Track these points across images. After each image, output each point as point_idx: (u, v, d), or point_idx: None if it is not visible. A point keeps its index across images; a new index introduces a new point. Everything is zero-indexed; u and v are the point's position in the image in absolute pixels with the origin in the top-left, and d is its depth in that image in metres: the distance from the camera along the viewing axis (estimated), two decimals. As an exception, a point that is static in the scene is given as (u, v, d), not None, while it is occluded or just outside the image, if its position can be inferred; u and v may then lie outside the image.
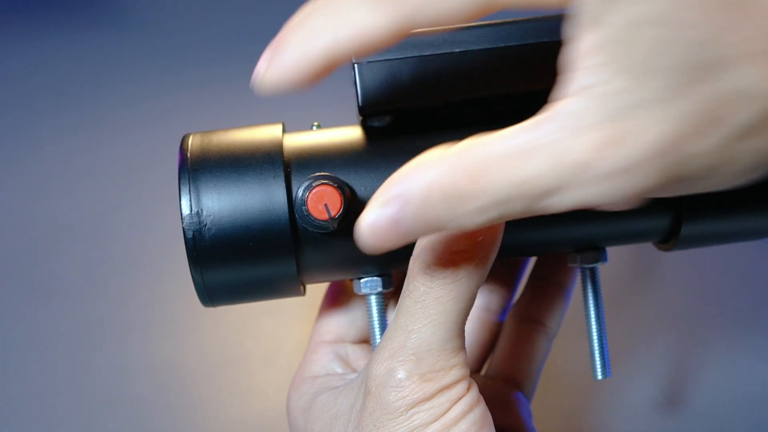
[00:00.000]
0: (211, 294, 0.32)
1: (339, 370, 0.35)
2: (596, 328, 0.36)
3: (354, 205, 0.31)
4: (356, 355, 0.36)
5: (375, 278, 0.33)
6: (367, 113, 0.32)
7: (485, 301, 0.40)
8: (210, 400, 0.52)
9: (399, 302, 0.29)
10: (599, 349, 0.36)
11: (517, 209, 0.22)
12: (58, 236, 0.59)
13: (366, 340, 0.37)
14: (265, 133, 0.33)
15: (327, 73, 0.24)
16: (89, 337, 0.54)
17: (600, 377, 0.36)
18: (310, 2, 0.24)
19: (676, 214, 0.33)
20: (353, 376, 0.34)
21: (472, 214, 0.22)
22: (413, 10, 0.22)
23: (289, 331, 0.54)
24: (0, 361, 0.54)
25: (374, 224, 0.23)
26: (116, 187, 0.61)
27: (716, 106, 0.20)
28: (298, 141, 0.33)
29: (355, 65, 0.31)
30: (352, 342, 0.37)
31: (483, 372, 0.40)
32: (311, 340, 0.38)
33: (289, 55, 0.24)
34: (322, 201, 0.29)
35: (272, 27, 0.80)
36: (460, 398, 0.27)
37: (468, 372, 0.28)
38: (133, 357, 0.53)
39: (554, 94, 0.22)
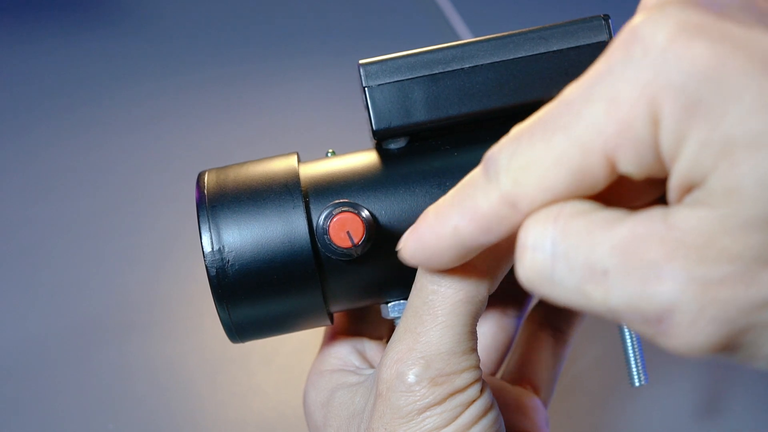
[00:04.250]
0: (239, 330, 0.32)
1: (357, 363, 0.35)
2: (630, 333, 0.36)
3: (375, 230, 0.30)
4: (373, 351, 0.36)
5: (402, 302, 0.33)
6: (381, 136, 0.32)
7: (501, 304, 0.40)
8: (210, 400, 0.52)
9: (408, 302, 0.29)
10: (634, 354, 0.35)
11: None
12: (58, 236, 0.59)
13: (383, 337, 0.38)
14: (281, 164, 0.32)
15: (461, 254, 0.24)
16: (89, 337, 0.54)
17: (637, 384, 0.36)
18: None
19: None
20: (370, 371, 0.34)
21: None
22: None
23: (289, 331, 0.54)
24: (0, 361, 0.53)
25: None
26: (116, 188, 0.61)
27: None
28: (314, 169, 0.32)
29: (366, 89, 0.31)
30: (369, 338, 0.37)
31: (499, 375, 0.41)
32: (326, 332, 0.38)
33: (425, 233, 0.24)
34: (344, 228, 0.29)
35: (273, 27, 0.80)
36: (472, 402, 0.27)
37: (480, 374, 0.28)
38: (133, 357, 0.53)
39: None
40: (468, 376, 0.27)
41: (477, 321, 0.28)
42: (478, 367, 0.28)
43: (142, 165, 0.62)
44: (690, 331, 0.18)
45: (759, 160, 0.17)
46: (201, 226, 0.31)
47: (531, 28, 0.31)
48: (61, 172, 0.62)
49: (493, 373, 0.40)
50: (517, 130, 0.22)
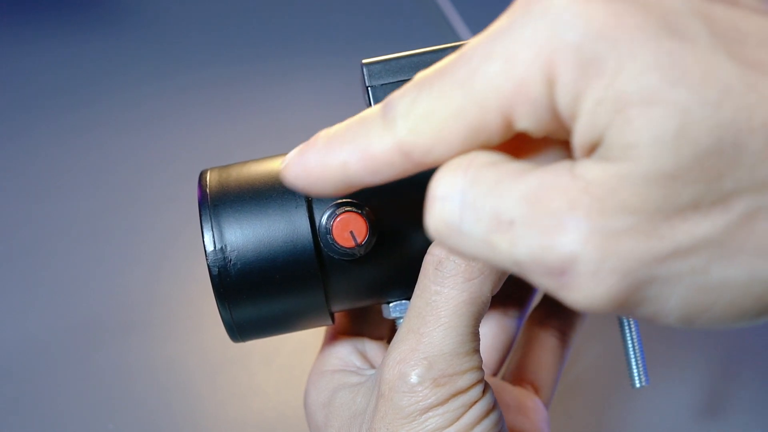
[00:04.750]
0: (241, 330, 0.32)
1: (358, 363, 0.35)
2: (630, 334, 0.35)
3: (378, 229, 0.30)
4: (374, 351, 0.36)
5: (404, 301, 0.33)
6: None
7: (503, 305, 0.40)
8: (210, 400, 0.52)
9: (411, 303, 0.29)
10: (635, 355, 0.35)
11: None
12: (58, 236, 0.59)
13: (383, 337, 0.38)
14: None
15: (344, 188, 0.24)
16: (89, 337, 0.54)
17: (638, 385, 0.35)
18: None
19: None
20: (372, 372, 0.34)
21: None
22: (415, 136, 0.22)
23: (289, 331, 0.54)
24: (0, 361, 0.53)
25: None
26: (116, 188, 0.61)
27: None
28: None
29: (369, 88, 0.31)
30: (370, 338, 0.37)
31: (500, 376, 0.41)
32: (327, 332, 0.38)
33: (311, 159, 0.24)
34: (347, 228, 0.29)
35: (274, 27, 0.80)
36: (474, 403, 0.27)
37: (483, 375, 0.28)
38: (133, 357, 0.53)
39: None
40: (470, 377, 0.28)
41: (480, 322, 0.28)
42: (480, 368, 0.28)
43: (142, 165, 0.62)
44: (591, 283, 0.18)
45: (653, 116, 0.17)
46: (203, 224, 0.31)
47: None
48: (61, 172, 0.62)
49: (495, 374, 0.40)
50: (418, 77, 0.22)
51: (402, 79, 0.31)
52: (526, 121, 0.20)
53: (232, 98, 0.66)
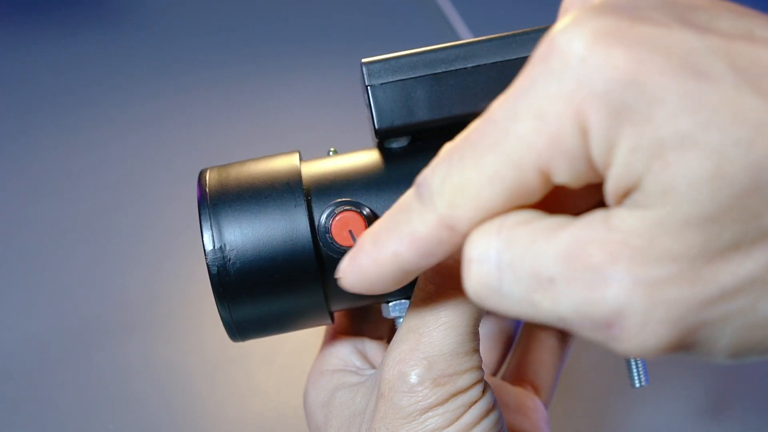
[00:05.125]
0: (240, 329, 0.32)
1: (358, 363, 0.35)
2: None
3: None
4: (374, 351, 0.36)
5: (403, 301, 0.33)
6: (383, 135, 0.32)
7: None
8: (210, 400, 0.52)
9: (410, 303, 0.29)
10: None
11: None
12: (58, 236, 0.59)
13: (383, 337, 0.38)
14: (283, 163, 0.32)
15: (402, 278, 0.24)
16: (89, 337, 0.54)
17: (638, 385, 0.35)
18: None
19: None
20: (371, 371, 0.34)
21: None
22: (450, 213, 0.21)
23: (289, 331, 0.54)
24: (0, 361, 0.53)
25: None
26: (116, 188, 0.61)
27: None
28: (316, 168, 0.32)
29: (368, 87, 0.31)
30: (370, 337, 0.37)
31: (500, 376, 0.40)
32: (326, 331, 0.38)
33: (363, 261, 0.24)
34: (346, 227, 0.29)
35: (274, 28, 0.80)
36: (474, 402, 0.27)
37: (483, 375, 0.28)
38: (133, 357, 0.53)
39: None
40: (470, 377, 0.28)
41: (479, 322, 0.28)
42: (480, 368, 0.28)
43: (142, 165, 0.62)
44: (641, 334, 0.18)
45: (689, 160, 0.17)
46: (202, 223, 0.31)
47: (534, 28, 0.31)
48: (61, 172, 0.62)
49: (494, 374, 0.40)
50: (446, 150, 0.22)
51: (401, 78, 0.31)
52: (564, 175, 0.20)
53: (232, 98, 0.66)
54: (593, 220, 0.19)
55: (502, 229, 0.20)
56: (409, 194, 0.22)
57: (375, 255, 0.23)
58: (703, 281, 0.18)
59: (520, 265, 0.19)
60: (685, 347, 0.19)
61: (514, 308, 0.20)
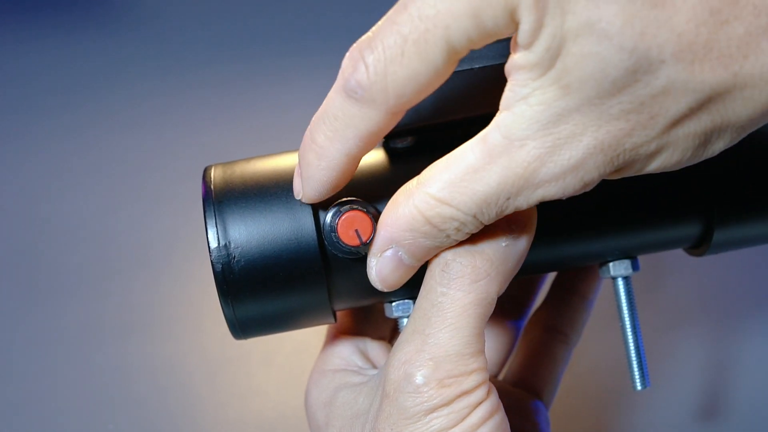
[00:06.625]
0: (243, 326, 0.32)
1: (360, 363, 0.35)
2: (633, 338, 0.35)
3: None
4: (376, 351, 0.36)
5: (406, 301, 0.33)
6: (388, 135, 0.31)
7: (504, 306, 0.40)
8: (210, 400, 0.52)
9: (416, 303, 0.29)
10: (637, 359, 0.35)
11: (491, 216, 0.25)
12: (58, 236, 0.59)
13: (385, 337, 0.38)
14: (288, 161, 0.32)
15: (351, 173, 0.28)
16: (89, 337, 0.54)
17: (639, 387, 0.35)
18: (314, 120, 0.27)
19: (707, 221, 0.33)
20: (373, 372, 0.34)
21: (455, 234, 0.26)
22: (398, 97, 0.25)
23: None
24: (0, 361, 0.53)
25: (381, 272, 0.28)
26: (117, 188, 0.61)
27: (649, 102, 0.22)
28: None
29: None
30: (372, 337, 0.37)
31: (501, 377, 0.41)
32: (328, 331, 0.38)
33: (314, 177, 0.28)
34: (352, 226, 0.29)
35: (274, 27, 0.80)
36: (479, 403, 0.27)
37: (488, 376, 0.28)
38: (133, 357, 0.53)
39: (500, 105, 0.24)
40: (476, 378, 0.28)
41: (485, 323, 0.28)
42: (485, 369, 0.28)
43: (142, 164, 0.62)
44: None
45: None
46: (207, 221, 0.30)
47: None
48: (61, 172, 0.62)
49: (496, 375, 0.40)
50: (354, 49, 0.26)
51: None
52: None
53: (232, 97, 0.65)
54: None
55: None
56: (334, 104, 0.26)
57: (327, 164, 0.27)
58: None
59: None
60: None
61: None
